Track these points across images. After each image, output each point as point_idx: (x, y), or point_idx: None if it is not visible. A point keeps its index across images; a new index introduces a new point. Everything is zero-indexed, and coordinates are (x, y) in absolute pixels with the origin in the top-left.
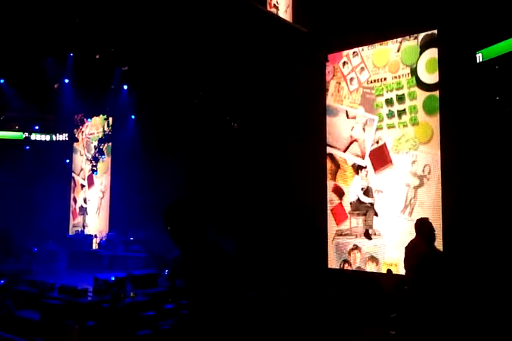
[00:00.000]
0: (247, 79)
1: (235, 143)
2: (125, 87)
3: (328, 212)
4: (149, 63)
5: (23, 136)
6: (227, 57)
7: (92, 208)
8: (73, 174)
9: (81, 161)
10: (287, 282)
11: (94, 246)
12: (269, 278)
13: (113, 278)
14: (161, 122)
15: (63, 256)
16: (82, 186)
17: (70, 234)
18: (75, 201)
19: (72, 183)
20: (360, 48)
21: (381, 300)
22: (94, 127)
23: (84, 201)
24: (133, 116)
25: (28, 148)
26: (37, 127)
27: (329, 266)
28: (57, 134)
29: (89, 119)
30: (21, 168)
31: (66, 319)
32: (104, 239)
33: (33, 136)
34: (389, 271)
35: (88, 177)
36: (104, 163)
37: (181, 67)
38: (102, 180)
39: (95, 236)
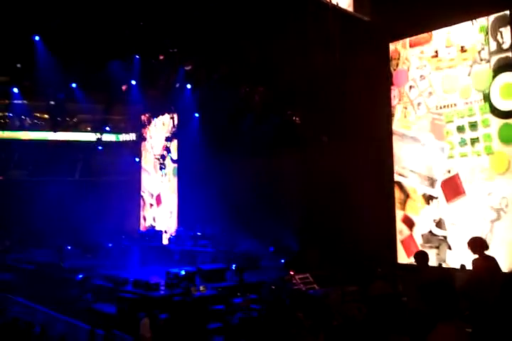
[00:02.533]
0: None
1: (301, 148)
2: (188, 86)
3: (398, 243)
4: (211, 62)
5: (95, 136)
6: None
7: (160, 227)
8: (142, 193)
9: (149, 180)
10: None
11: (165, 241)
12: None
13: (183, 272)
14: (225, 120)
15: (136, 251)
16: (151, 205)
17: (142, 230)
18: (145, 219)
19: (141, 202)
20: (428, 72)
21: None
22: (161, 148)
23: (154, 220)
24: (197, 114)
25: (100, 148)
26: (107, 128)
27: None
28: (127, 134)
29: (155, 119)
30: (95, 167)
31: (140, 312)
32: (173, 235)
33: (104, 137)
34: (462, 266)
35: (156, 196)
36: (172, 184)
37: (241, 63)
38: (170, 200)
39: (165, 231)
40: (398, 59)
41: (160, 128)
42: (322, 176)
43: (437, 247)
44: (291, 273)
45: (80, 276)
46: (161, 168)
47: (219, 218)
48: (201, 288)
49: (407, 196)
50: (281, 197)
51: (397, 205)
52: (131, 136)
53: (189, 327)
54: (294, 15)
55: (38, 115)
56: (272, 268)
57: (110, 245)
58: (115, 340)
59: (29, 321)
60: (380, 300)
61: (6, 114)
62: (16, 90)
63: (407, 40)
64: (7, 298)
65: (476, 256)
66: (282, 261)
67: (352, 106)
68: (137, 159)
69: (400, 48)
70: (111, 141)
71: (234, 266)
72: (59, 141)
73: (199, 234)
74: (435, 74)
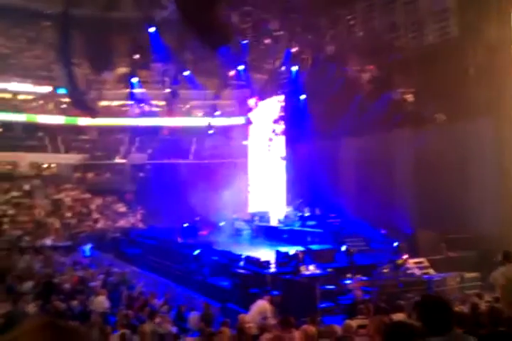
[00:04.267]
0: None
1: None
2: (294, 68)
3: None
4: (316, 42)
5: (206, 121)
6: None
7: (269, 208)
8: (249, 175)
9: (257, 162)
10: None
11: (274, 221)
12: None
13: (293, 252)
14: (332, 100)
15: (247, 230)
16: (259, 186)
17: (251, 211)
18: (253, 200)
19: (249, 184)
20: None
21: None
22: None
23: (262, 201)
24: (303, 96)
25: (211, 132)
26: (217, 113)
27: None
28: (235, 118)
29: (262, 102)
30: (206, 150)
31: (253, 288)
32: (282, 215)
33: (215, 121)
34: None
35: (263, 178)
36: (279, 165)
37: (347, 41)
38: (279, 181)
39: (274, 212)
40: None
41: (267, 112)
42: (437, 156)
43: None
44: (405, 256)
45: (197, 252)
46: (268, 150)
47: (328, 199)
48: (311, 267)
49: None
50: (393, 178)
51: None
52: (240, 120)
53: (299, 305)
54: None
55: (155, 102)
56: (383, 250)
57: (223, 223)
58: (229, 313)
59: (153, 291)
60: None
61: (127, 102)
62: (134, 80)
63: None
64: (134, 270)
65: None
66: (395, 243)
67: (473, 83)
68: (245, 142)
69: None
70: (221, 125)
71: (343, 247)
72: (174, 126)
73: (308, 214)
74: None
